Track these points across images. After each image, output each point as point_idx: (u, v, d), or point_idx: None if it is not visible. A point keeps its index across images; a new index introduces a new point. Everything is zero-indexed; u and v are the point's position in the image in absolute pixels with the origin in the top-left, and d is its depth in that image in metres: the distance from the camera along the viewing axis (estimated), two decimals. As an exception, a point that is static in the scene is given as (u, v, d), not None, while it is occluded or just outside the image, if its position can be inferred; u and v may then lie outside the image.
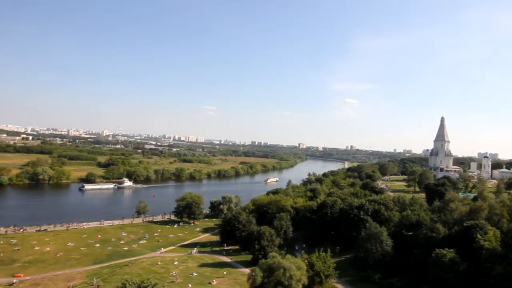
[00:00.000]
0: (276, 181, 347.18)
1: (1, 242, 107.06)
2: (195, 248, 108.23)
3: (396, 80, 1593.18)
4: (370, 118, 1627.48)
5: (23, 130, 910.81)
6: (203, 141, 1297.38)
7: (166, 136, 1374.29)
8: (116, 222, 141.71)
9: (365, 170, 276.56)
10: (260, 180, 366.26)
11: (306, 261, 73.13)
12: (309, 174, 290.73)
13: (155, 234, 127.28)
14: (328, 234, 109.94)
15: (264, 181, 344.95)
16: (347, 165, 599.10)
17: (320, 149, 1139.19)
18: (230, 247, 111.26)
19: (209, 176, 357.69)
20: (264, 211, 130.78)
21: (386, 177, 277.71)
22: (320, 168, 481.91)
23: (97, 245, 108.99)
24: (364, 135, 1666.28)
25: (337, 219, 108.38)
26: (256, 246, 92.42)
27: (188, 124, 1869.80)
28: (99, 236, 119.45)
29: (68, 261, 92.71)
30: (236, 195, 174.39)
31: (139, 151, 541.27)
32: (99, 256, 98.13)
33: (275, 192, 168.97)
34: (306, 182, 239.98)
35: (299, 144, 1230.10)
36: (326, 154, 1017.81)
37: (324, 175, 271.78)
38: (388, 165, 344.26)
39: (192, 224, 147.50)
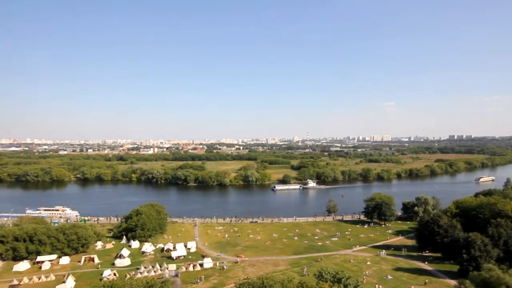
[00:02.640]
0: (492, 180, 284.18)
1: (233, 230, 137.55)
2: (384, 250, 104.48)
3: None
4: None
5: (235, 142, 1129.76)
6: (390, 139, 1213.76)
7: (351, 138, 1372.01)
8: (310, 219, 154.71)
9: None
10: (464, 179, 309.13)
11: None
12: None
13: (346, 232, 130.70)
14: None
15: (475, 181, 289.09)
16: None
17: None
18: (429, 254, 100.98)
19: (398, 176, 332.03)
20: (472, 216, 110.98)
21: None
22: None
23: (296, 238, 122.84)
24: None
25: None
26: (465, 255, 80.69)
27: (369, 123, 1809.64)
28: (297, 230, 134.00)
29: (274, 249, 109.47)
30: (433, 196, 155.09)
31: (325, 153, 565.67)
32: (298, 248, 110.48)
33: (488, 193, 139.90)
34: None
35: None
36: None
37: None
38: None
39: (383, 225, 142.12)
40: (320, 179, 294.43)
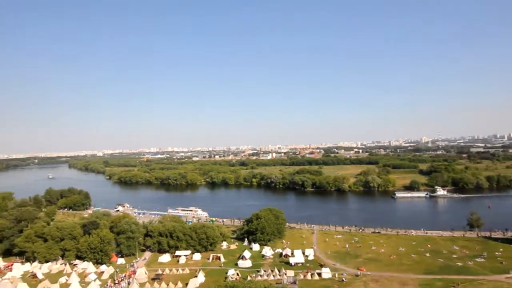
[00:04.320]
0: None
1: (354, 239, 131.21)
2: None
3: None
4: None
5: (354, 145, 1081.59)
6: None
7: (498, 136, 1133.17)
8: (445, 234, 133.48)
9: None
10: None
11: None
12: None
13: (496, 253, 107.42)
14: None
15: None
16: None
17: None
18: None
19: None
20: None
21: None
22: None
23: (427, 254, 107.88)
24: None
25: None
26: None
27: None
28: (428, 245, 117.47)
29: (400, 265, 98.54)
30: None
31: (463, 155, 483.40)
32: (430, 267, 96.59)
33: None
34: None
35: None
36: None
37: None
38: None
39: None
40: (458, 186, 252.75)
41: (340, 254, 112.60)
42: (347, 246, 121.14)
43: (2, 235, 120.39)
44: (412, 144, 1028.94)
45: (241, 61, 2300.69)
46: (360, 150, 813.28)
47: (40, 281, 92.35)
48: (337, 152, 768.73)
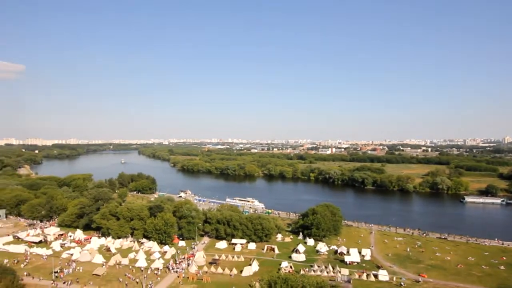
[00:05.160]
0: None
1: (416, 243, 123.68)
2: None
3: None
4: None
5: (422, 143, 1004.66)
6: None
7: None
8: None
9: None
10: None
11: None
12: None
13: None
14: None
15: None
16: None
17: None
18: None
19: None
20: None
21: None
22: None
23: (502, 267, 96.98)
24: None
25: None
26: None
27: None
28: (504, 258, 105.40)
29: (468, 276, 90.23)
30: None
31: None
32: (505, 281, 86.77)
33: None
34: None
35: None
36: None
37: None
38: None
39: None
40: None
41: (399, 257, 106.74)
42: (408, 249, 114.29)
43: (83, 211, 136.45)
44: (491, 144, 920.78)
45: (309, 59, 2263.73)
46: (429, 149, 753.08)
47: (113, 254, 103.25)
48: (403, 150, 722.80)
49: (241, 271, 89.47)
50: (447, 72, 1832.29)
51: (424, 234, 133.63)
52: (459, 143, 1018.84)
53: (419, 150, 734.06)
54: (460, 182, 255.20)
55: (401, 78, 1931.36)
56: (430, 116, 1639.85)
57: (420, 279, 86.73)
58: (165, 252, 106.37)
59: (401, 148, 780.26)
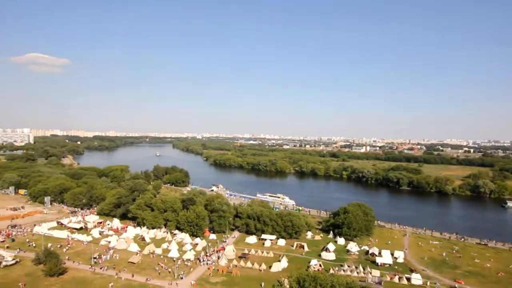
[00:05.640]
0: None
1: (453, 248, 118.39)
2: None
3: None
4: None
5: (464, 143, 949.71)
6: None
7: None
8: None
9: None
10: None
11: None
12: None
13: None
14: None
15: None
16: None
17: None
18: None
19: None
20: None
21: None
22: None
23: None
24: None
25: None
26: None
27: None
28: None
29: (509, 285, 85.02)
30: None
31: None
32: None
33: None
34: None
35: None
36: None
37: None
38: None
39: None
40: None
41: (435, 261, 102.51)
42: (444, 254, 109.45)
43: (120, 201, 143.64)
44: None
45: (334, 59, 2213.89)
46: (471, 150, 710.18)
47: (147, 244, 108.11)
48: (442, 150, 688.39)
49: (270, 267, 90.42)
50: (495, 67, 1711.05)
51: (462, 239, 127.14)
52: (505, 144, 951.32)
53: (460, 150, 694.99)
54: (505, 185, 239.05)
55: (440, 74, 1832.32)
56: (475, 114, 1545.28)
57: (456, 285, 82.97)
58: (196, 244, 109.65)
59: (441, 148, 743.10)
